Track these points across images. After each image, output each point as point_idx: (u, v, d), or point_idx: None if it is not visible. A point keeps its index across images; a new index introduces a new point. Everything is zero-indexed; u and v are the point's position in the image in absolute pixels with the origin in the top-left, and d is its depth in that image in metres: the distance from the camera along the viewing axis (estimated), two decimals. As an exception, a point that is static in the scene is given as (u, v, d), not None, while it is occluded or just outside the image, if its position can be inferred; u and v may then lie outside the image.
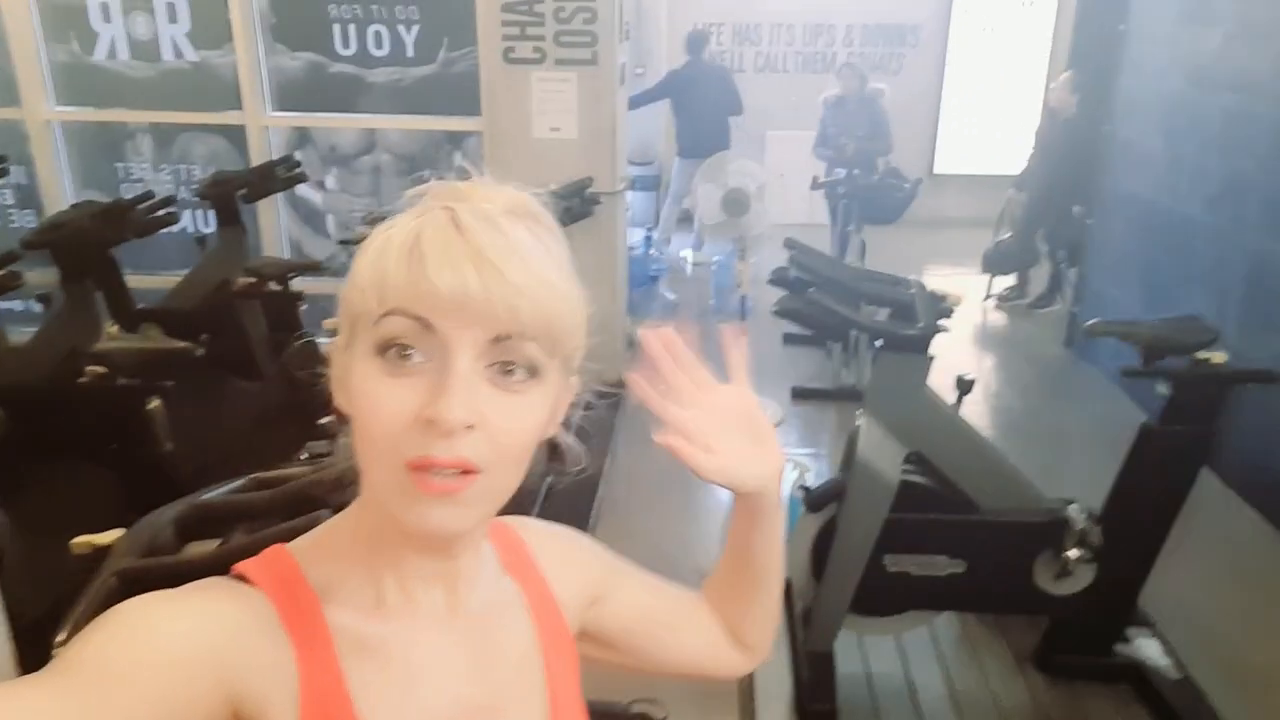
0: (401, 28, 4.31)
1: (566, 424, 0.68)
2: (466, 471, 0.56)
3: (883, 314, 2.35)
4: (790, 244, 2.39)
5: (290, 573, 0.61)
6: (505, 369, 0.57)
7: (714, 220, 3.80)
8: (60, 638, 1.10)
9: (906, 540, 2.38)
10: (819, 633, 2.46)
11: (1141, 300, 4.31)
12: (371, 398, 0.56)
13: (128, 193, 4.43)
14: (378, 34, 4.32)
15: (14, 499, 2.48)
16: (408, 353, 0.55)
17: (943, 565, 2.41)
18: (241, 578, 0.61)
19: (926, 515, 2.38)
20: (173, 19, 4.42)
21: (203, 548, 1.34)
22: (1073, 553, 2.32)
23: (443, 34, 4.29)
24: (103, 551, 1.30)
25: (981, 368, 5.18)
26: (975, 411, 4.32)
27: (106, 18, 4.41)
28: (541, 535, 0.78)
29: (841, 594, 2.40)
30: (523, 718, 0.69)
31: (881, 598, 2.47)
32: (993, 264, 5.61)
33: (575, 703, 0.73)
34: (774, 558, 0.81)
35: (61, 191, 4.58)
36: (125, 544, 1.29)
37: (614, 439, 3.90)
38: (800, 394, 4.37)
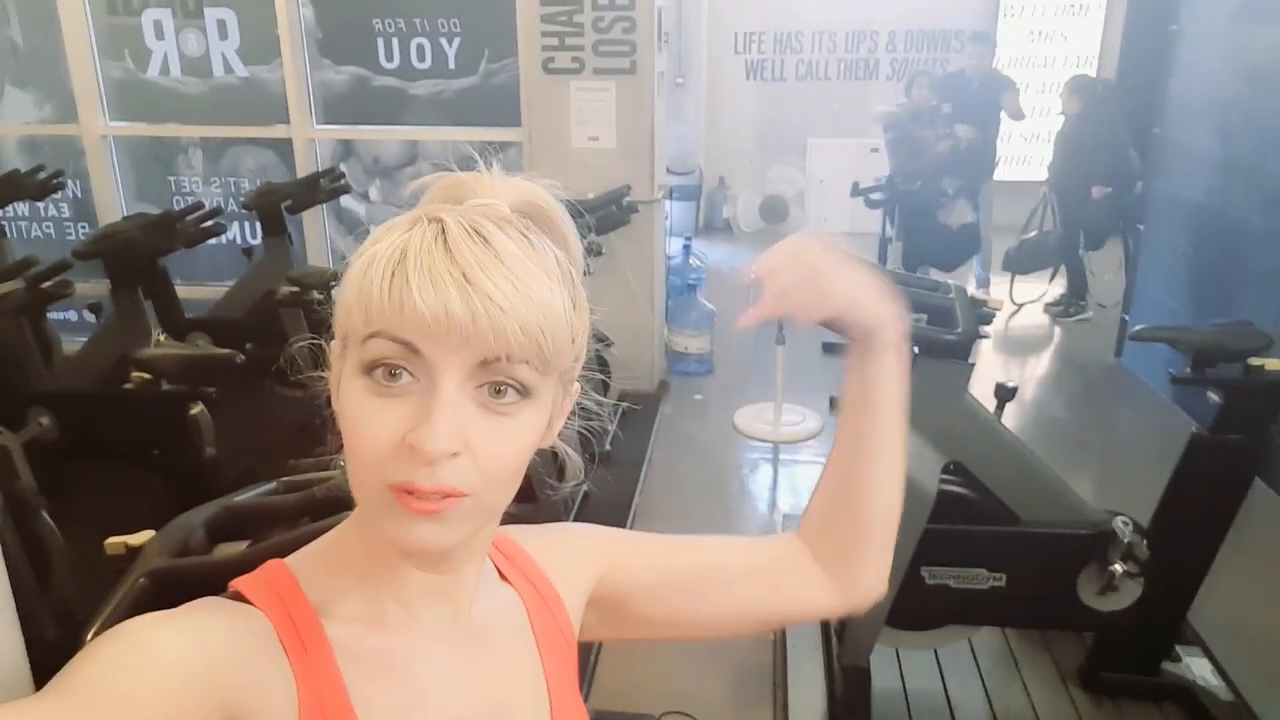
0: (444, 40, 4.37)
1: (566, 434, 0.67)
2: (450, 495, 0.55)
3: (920, 320, 2.31)
4: (824, 250, 2.37)
5: (288, 589, 0.61)
6: (495, 390, 0.55)
7: (752, 227, 3.77)
8: (88, 637, 1.13)
9: (945, 552, 2.33)
10: (854, 646, 2.41)
11: (1193, 306, 4.18)
12: (358, 418, 0.55)
13: (179, 205, 4.56)
14: (420, 47, 4.39)
15: (61, 501, 2.56)
16: (395, 373, 0.54)
17: (983, 578, 2.35)
18: (238, 595, 0.60)
19: (965, 527, 2.33)
20: (223, 35, 4.53)
21: (232, 549, 1.37)
22: (1118, 567, 2.24)
23: (483, 45, 4.34)
24: (135, 552, 1.32)
25: (1028, 375, 5.07)
26: (1020, 421, 4.22)
27: (160, 35, 4.55)
28: (536, 537, 0.77)
29: (877, 607, 2.32)
30: None
31: (919, 611, 2.41)
32: (1014, 263, 5.61)
33: (575, 706, 0.73)
34: (899, 423, 0.77)
35: (116, 204, 4.72)
36: (157, 545, 1.32)
37: (650, 446, 3.89)
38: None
